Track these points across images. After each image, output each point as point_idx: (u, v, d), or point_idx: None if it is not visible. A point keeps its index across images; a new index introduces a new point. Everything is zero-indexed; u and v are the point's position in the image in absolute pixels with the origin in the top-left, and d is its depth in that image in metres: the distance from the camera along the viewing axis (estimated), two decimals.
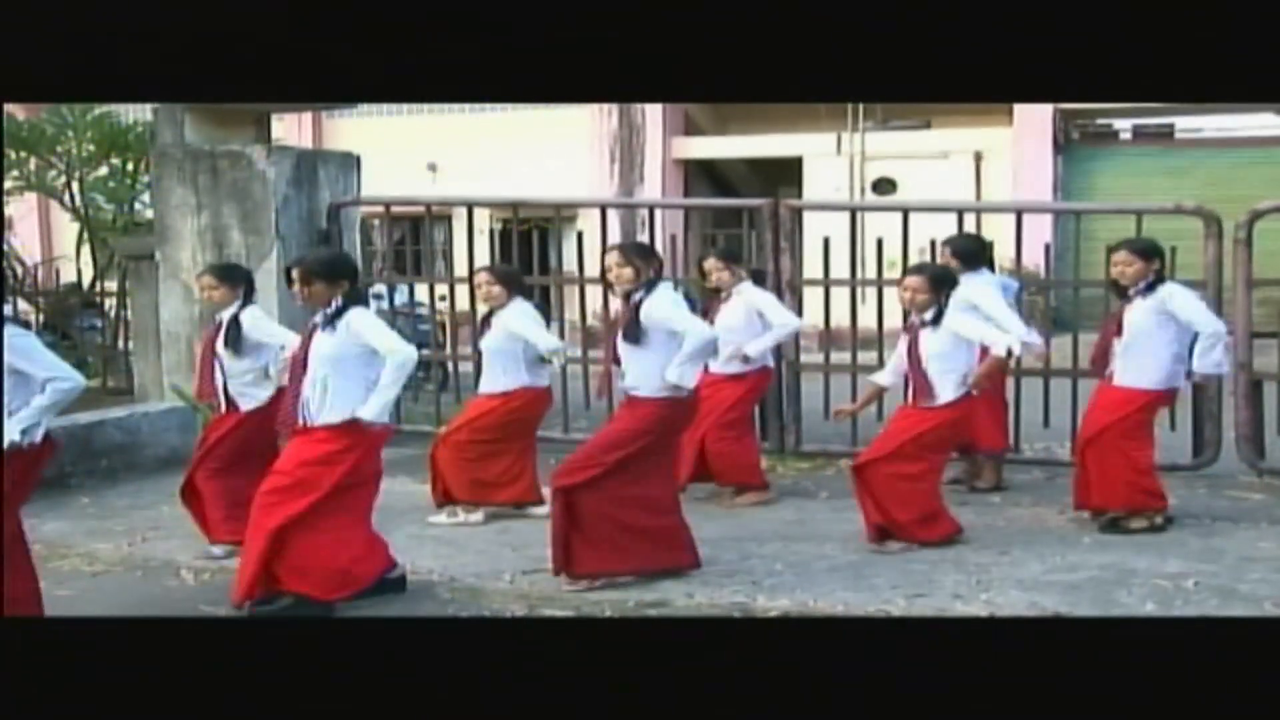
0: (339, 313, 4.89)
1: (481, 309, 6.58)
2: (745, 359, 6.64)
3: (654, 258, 5.47)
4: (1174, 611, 4.88)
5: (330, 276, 4.93)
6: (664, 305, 5.26)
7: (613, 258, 5.40)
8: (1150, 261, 5.99)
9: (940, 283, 5.81)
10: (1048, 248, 8.14)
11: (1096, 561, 5.51)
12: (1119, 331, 6.01)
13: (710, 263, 6.82)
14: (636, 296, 5.28)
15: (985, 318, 6.16)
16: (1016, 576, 5.32)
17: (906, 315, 5.91)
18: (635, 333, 5.22)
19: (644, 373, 5.23)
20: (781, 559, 5.64)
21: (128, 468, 7.46)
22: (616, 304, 5.62)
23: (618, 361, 5.35)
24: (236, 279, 5.87)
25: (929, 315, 5.75)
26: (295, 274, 4.96)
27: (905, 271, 5.98)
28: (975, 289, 6.41)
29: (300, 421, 4.90)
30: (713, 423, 6.55)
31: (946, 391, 5.71)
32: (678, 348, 5.15)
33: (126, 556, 5.89)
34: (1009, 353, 5.73)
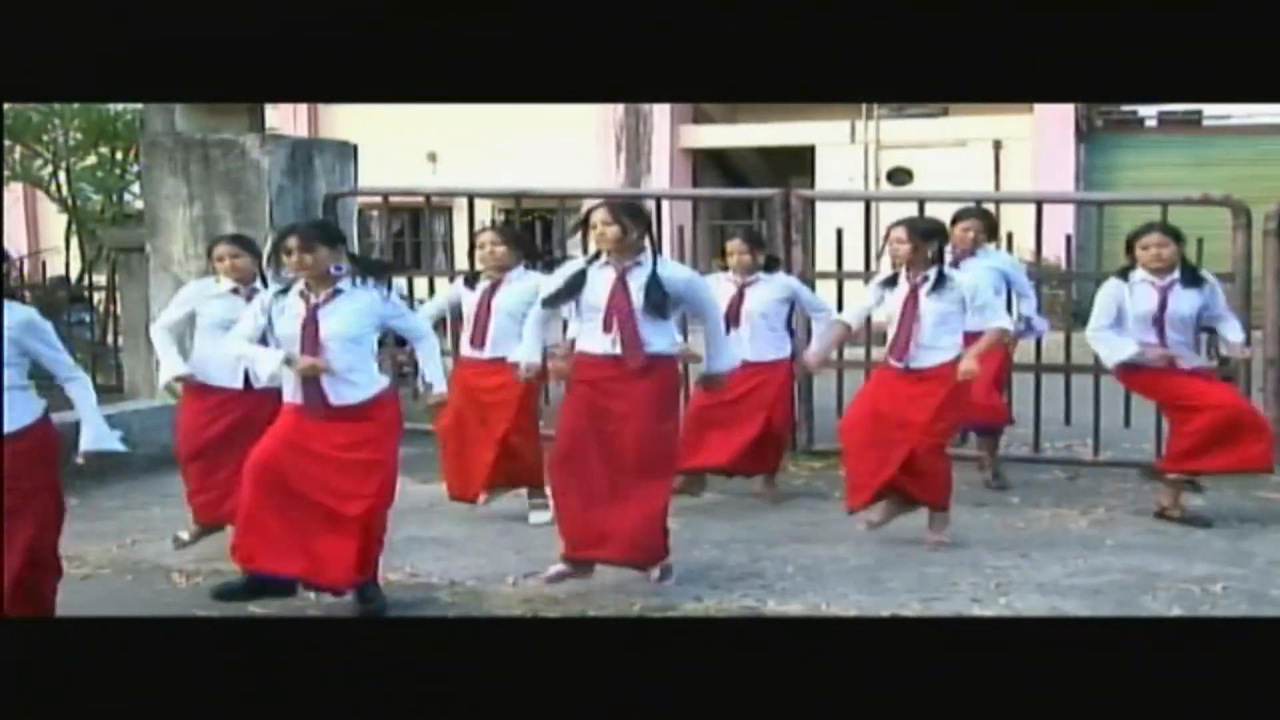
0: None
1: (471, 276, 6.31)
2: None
3: (643, 221, 4.98)
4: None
5: (330, 240, 4.70)
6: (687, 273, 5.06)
7: (600, 214, 4.89)
8: (1180, 245, 5.99)
9: (927, 236, 5.59)
10: (1069, 239, 7.98)
11: (1120, 565, 5.37)
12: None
13: (733, 244, 6.59)
14: (645, 268, 4.86)
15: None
16: (1037, 580, 5.19)
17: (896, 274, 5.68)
18: (664, 305, 4.84)
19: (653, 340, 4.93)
20: (793, 561, 5.50)
21: (117, 468, 7.23)
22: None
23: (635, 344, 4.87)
24: (254, 250, 5.68)
25: (930, 276, 5.54)
26: (293, 241, 4.62)
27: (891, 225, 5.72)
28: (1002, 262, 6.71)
29: (332, 403, 4.64)
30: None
31: (935, 355, 5.55)
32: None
33: (116, 559, 5.75)
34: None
